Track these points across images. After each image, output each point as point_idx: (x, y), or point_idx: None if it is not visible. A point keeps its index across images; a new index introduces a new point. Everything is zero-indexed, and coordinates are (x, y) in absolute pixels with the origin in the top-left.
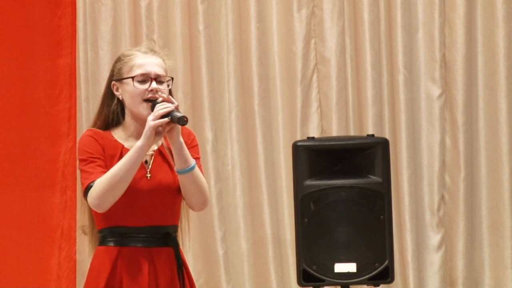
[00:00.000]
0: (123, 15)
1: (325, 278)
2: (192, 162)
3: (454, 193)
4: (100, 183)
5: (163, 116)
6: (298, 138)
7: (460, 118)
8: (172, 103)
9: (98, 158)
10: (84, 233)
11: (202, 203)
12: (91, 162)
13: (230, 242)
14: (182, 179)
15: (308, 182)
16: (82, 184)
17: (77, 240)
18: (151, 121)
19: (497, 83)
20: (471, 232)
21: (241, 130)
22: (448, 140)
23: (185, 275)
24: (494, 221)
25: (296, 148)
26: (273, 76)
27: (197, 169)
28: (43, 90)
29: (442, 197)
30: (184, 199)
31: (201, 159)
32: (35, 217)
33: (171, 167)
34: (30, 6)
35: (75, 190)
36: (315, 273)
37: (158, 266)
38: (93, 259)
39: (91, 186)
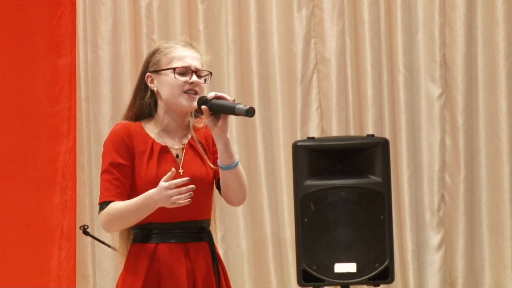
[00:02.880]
0: (123, 15)
1: (325, 278)
2: (237, 158)
3: (454, 193)
4: (111, 214)
5: (218, 111)
6: (298, 138)
7: (460, 118)
8: (225, 99)
9: (120, 165)
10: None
11: (242, 198)
12: (110, 173)
13: (230, 242)
14: (226, 175)
15: (308, 182)
16: (99, 195)
17: (77, 240)
18: (165, 189)
19: (497, 83)
20: (471, 232)
21: (241, 130)
22: (448, 140)
23: (220, 269)
24: (494, 221)
25: (296, 148)
26: (273, 76)
27: (240, 165)
28: (43, 90)
29: (442, 197)
30: (222, 194)
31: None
32: (35, 217)
33: (203, 160)
34: (30, 6)
35: (75, 190)
36: (315, 273)
37: (194, 261)
38: (128, 257)
39: (104, 206)
